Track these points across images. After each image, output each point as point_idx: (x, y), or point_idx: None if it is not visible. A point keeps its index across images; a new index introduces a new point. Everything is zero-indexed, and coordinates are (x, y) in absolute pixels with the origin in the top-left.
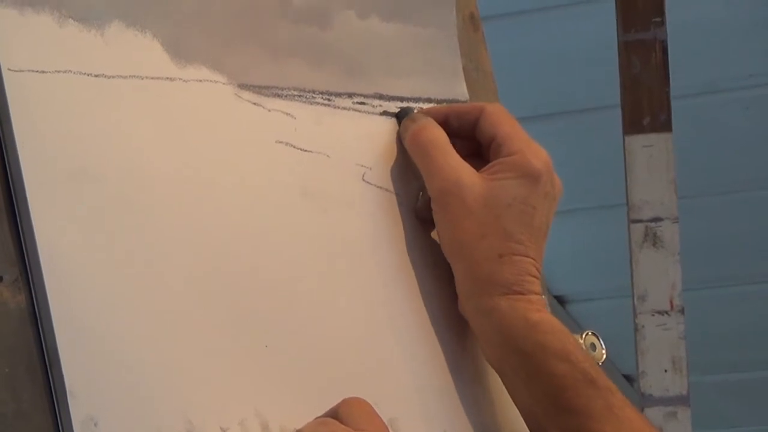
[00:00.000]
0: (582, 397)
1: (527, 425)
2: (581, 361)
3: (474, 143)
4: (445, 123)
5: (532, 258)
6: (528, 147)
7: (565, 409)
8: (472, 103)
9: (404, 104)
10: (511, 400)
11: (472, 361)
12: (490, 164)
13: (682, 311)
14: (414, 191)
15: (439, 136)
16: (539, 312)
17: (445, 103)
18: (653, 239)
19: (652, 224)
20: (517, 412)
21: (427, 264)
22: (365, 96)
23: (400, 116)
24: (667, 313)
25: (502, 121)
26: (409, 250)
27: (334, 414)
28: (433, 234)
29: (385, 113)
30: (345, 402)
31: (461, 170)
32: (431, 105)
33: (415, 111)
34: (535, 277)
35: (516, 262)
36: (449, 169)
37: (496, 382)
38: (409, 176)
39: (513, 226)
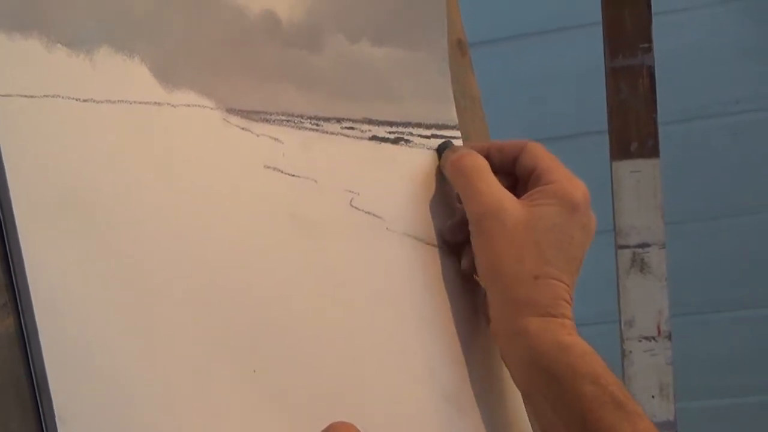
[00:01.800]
0: (609, 420)
1: None
2: (610, 384)
3: (513, 179)
4: (486, 157)
5: (566, 284)
6: (567, 178)
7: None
8: (512, 140)
9: (393, 129)
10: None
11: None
12: (530, 192)
13: (669, 337)
14: (442, 217)
15: (480, 162)
16: (570, 335)
17: (434, 128)
18: (640, 265)
19: (640, 250)
20: None
21: (415, 288)
22: (354, 121)
23: (441, 149)
24: (654, 338)
25: (542, 155)
26: (398, 275)
27: None
28: (427, 259)
29: (374, 138)
30: (332, 427)
31: (502, 195)
32: (421, 129)
33: (451, 143)
34: (567, 302)
35: (551, 286)
36: (490, 194)
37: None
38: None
39: (550, 252)
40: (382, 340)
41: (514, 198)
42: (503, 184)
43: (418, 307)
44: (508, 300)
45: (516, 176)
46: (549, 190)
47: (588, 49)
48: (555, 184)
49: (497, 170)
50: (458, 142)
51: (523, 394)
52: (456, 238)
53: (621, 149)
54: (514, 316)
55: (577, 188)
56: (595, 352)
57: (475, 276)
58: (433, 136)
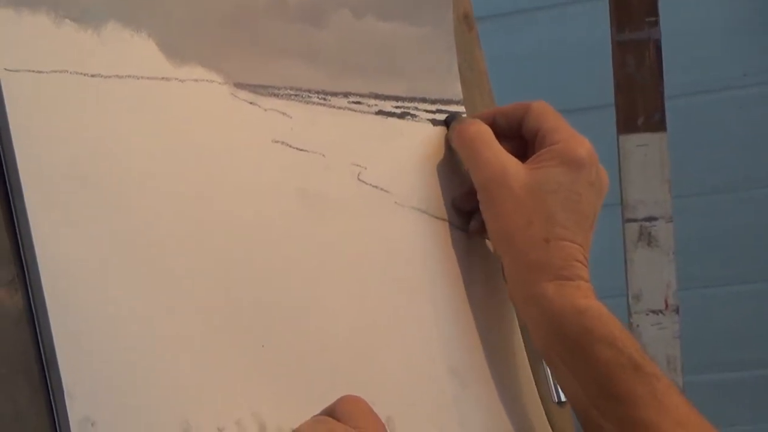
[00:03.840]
0: (627, 382)
1: (577, 414)
2: (627, 347)
3: (521, 143)
4: (493, 124)
5: (579, 244)
6: (571, 137)
7: (611, 395)
8: (517, 102)
9: (399, 103)
10: (533, 402)
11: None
12: (535, 155)
13: (677, 310)
14: (452, 187)
15: (484, 130)
16: (587, 298)
17: (439, 103)
18: (648, 239)
19: (647, 224)
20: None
21: (423, 261)
22: (361, 95)
23: (449, 120)
24: (662, 312)
25: (546, 116)
26: (404, 248)
27: (331, 412)
28: (435, 232)
29: (380, 113)
30: (342, 400)
31: (506, 160)
32: (426, 104)
33: (459, 114)
34: (581, 263)
35: (563, 247)
36: (494, 160)
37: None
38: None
39: (559, 212)
40: (389, 313)
41: (519, 162)
42: (511, 150)
43: (426, 280)
44: (522, 265)
45: (524, 139)
46: (553, 150)
47: (595, 23)
48: (559, 144)
49: (504, 135)
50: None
51: (546, 360)
52: (467, 206)
53: (628, 123)
54: (529, 281)
55: (582, 145)
56: (612, 314)
57: (486, 241)
58: (439, 111)
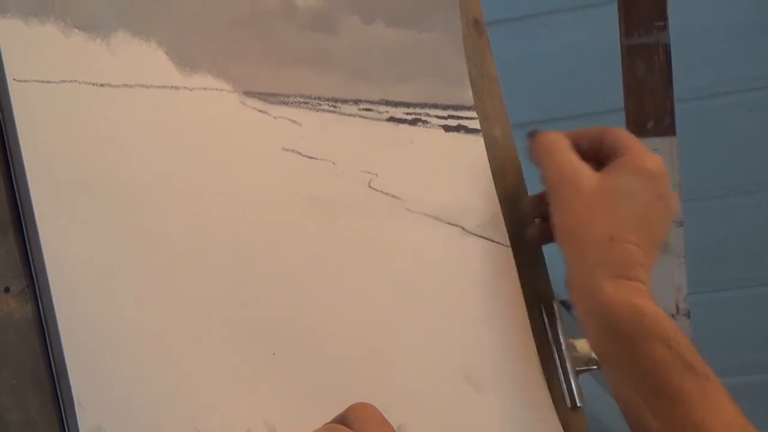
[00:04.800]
0: (678, 381)
1: (625, 413)
2: (681, 346)
3: (599, 164)
4: (575, 146)
5: (641, 249)
6: (643, 151)
7: (661, 393)
8: (598, 126)
9: (410, 110)
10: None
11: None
12: (608, 164)
13: (688, 315)
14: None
15: (560, 139)
16: (644, 298)
17: (450, 109)
18: None
19: None
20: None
21: (435, 268)
22: (371, 102)
23: (530, 135)
24: (673, 316)
25: (623, 135)
26: (416, 255)
27: (343, 419)
28: (447, 238)
29: (391, 119)
30: (353, 407)
31: (579, 164)
32: (438, 110)
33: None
34: (643, 266)
35: (625, 248)
36: (568, 163)
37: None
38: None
39: (625, 216)
40: (401, 320)
41: (590, 168)
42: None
43: (439, 286)
44: (584, 261)
45: (602, 162)
46: (624, 160)
47: (603, 28)
48: (630, 156)
49: (585, 158)
50: (474, 123)
51: (599, 357)
52: (540, 239)
53: (637, 127)
54: (589, 277)
55: (652, 159)
56: (668, 316)
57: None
58: (450, 117)
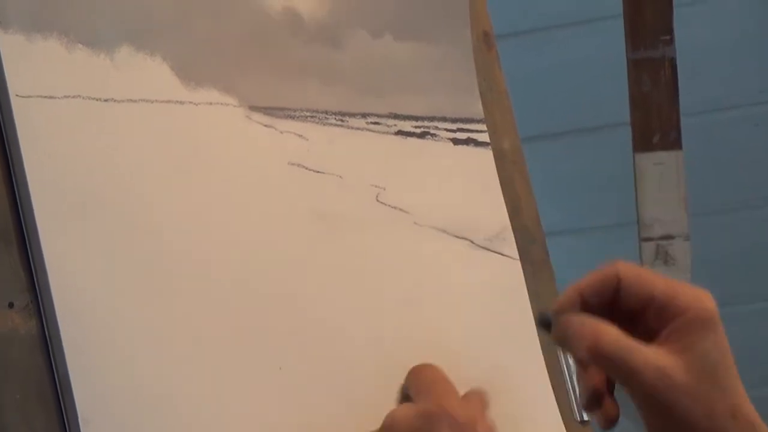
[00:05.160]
0: None
1: None
2: None
3: (608, 309)
4: (584, 302)
5: (745, 396)
6: (695, 296)
7: None
8: (598, 274)
9: (419, 123)
10: None
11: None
12: (669, 332)
13: None
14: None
15: (616, 335)
16: None
17: (459, 122)
18: (664, 257)
19: (663, 242)
20: None
21: (444, 282)
22: (379, 116)
23: (543, 323)
24: None
25: (649, 279)
26: (426, 269)
27: (406, 387)
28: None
29: (399, 132)
30: (413, 371)
31: (657, 358)
32: (447, 123)
33: (552, 314)
34: (755, 414)
35: (745, 414)
36: (646, 365)
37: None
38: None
39: (725, 382)
40: (408, 334)
41: (665, 352)
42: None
43: (446, 299)
44: None
45: (612, 303)
46: (689, 320)
47: (610, 42)
48: (691, 311)
49: (596, 308)
50: (483, 136)
51: None
52: (596, 408)
53: (644, 141)
54: None
55: (708, 300)
56: None
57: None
58: (459, 129)
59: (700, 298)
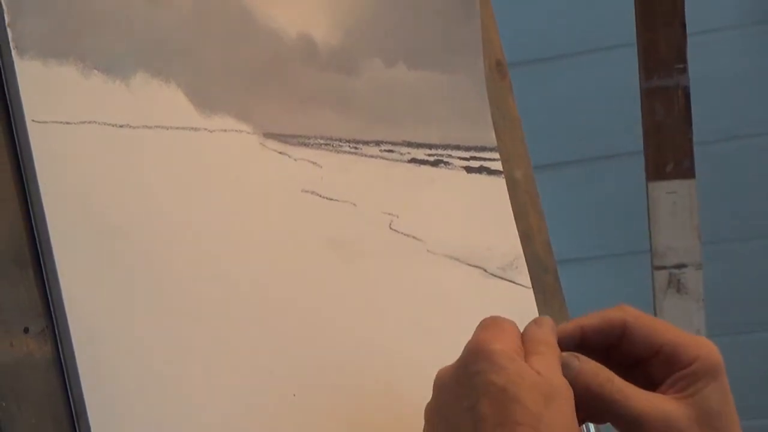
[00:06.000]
0: None
1: None
2: None
3: (604, 354)
4: (581, 339)
5: None
6: (700, 348)
7: None
8: (603, 318)
9: (432, 151)
10: None
11: None
12: (675, 381)
13: None
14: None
15: (619, 380)
16: None
17: (473, 150)
18: (677, 286)
19: (676, 271)
20: None
21: (457, 308)
22: (393, 143)
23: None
24: None
25: (657, 328)
26: (438, 296)
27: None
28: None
29: (413, 160)
30: (484, 324)
31: (660, 404)
32: (460, 152)
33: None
34: None
35: None
36: (649, 413)
37: None
38: None
39: (728, 429)
40: (422, 362)
41: (670, 400)
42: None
43: (459, 328)
44: None
45: (615, 348)
46: (696, 371)
47: (623, 70)
48: (698, 362)
49: (592, 350)
50: (496, 165)
51: None
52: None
53: (657, 170)
54: None
55: (715, 351)
56: None
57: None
58: (473, 158)
59: (708, 348)
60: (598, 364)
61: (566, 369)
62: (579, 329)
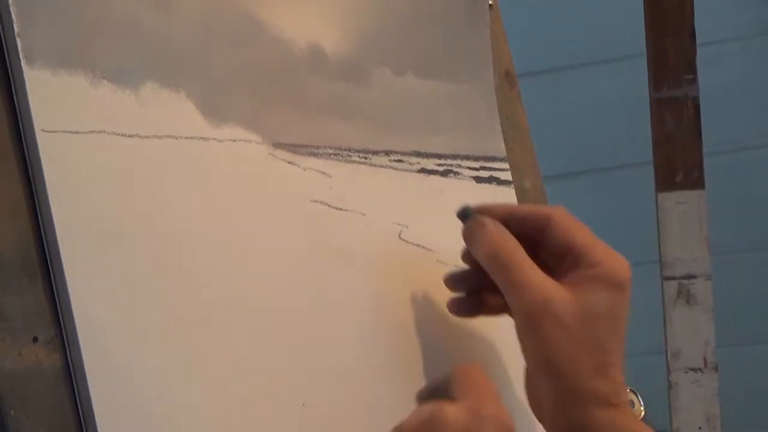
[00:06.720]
0: None
1: None
2: None
3: (533, 244)
4: (505, 224)
5: (621, 366)
6: (610, 257)
7: None
8: (534, 208)
9: (442, 161)
10: None
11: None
12: (573, 276)
13: (716, 368)
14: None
15: (514, 247)
16: (636, 422)
17: (482, 160)
18: (686, 296)
19: (685, 281)
20: None
21: (468, 321)
22: (403, 153)
23: (463, 216)
24: (700, 370)
25: (575, 230)
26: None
27: (445, 383)
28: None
29: (422, 170)
30: (457, 370)
31: (548, 286)
32: (470, 162)
33: (474, 210)
34: (623, 386)
35: (610, 374)
36: (535, 286)
37: None
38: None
39: (605, 338)
40: (435, 373)
41: (561, 287)
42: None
43: (469, 339)
44: (568, 393)
45: (537, 242)
46: (595, 274)
47: (632, 81)
48: (600, 267)
49: (518, 237)
50: (506, 175)
51: None
52: (469, 312)
53: (666, 180)
54: (574, 408)
55: (623, 267)
56: None
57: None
58: (482, 168)
59: (615, 259)
60: (512, 236)
61: (482, 228)
62: (506, 211)
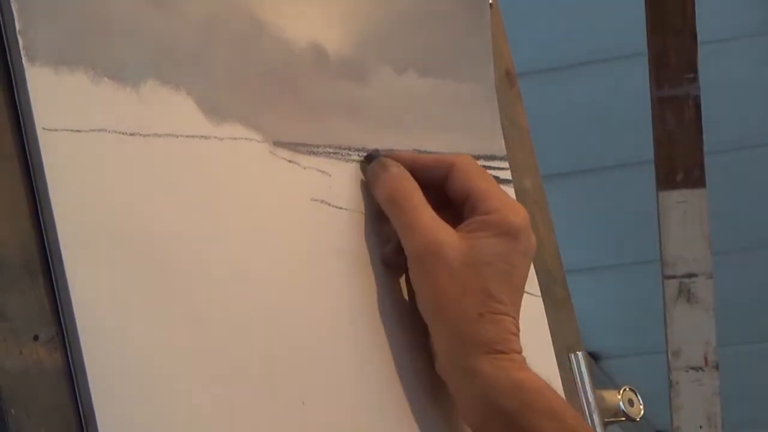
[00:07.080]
0: None
1: None
2: (568, 418)
3: (442, 194)
4: (410, 172)
5: (512, 316)
6: (506, 204)
7: None
8: (439, 156)
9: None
10: None
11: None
12: (467, 222)
13: (716, 367)
14: (383, 238)
15: (412, 190)
16: (523, 371)
17: (482, 159)
18: (687, 295)
19: (686, 280)
20: None
21: None
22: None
23: (368, 159)
24: (701, 369)
25: (475, 177)
26: None
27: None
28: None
29: None
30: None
31: (439, 229)
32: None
33: (380, 153)
34: (515, 335)
35: (497, 321)
36: (427, 228)
37: None
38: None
39: (493, 285)
40: (432, 371)
41: (453, 231)
42: (433, 203)
43: None
44: (455, 338)
45: (443, 193)
46: (488, 220)
47: (634, 80)
48: (494, 214)
49: (423, 187)
50: (506, 174)
51: None
52: (397, 262)
53: (667, 179)
54: (462, 354)
55: (518, 214)
56: (550, 386)
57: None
58: (483, 167)
59: (510, 207)
60: (413, 180)
61: (384, 170)
62: (411, 158)
